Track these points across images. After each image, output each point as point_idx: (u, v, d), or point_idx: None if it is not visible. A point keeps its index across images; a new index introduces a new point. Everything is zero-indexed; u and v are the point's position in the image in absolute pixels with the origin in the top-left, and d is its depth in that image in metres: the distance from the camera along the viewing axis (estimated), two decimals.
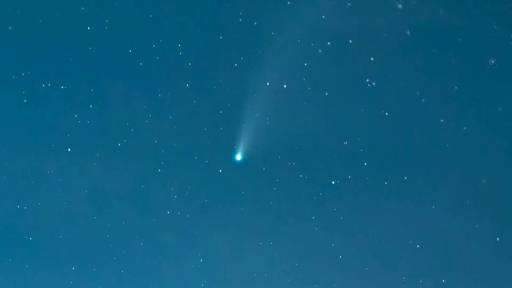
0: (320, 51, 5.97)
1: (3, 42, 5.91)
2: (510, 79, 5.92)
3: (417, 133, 6.00)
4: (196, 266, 6.13)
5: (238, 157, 6.04)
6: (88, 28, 5.95)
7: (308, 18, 5.95)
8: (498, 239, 5.96)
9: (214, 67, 6.00)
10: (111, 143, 6.01)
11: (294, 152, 6.06)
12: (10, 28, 5.92)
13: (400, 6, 5.97)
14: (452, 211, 5.96)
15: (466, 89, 5.94)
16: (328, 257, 6.08)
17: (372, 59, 5.96)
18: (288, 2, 5.95)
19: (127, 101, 6.02)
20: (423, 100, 5.97)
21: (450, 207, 5.96)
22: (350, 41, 5.97)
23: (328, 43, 5.97)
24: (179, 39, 5.97)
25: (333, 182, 6.05)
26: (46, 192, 6.00)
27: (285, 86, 6.00)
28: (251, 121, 6.00)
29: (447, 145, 5.99)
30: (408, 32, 5.95)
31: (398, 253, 6.08)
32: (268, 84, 5.99)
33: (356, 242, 6.08)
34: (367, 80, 5.97)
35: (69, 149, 6.00)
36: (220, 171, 6.05)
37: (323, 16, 5.94)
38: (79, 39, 5.94)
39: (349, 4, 5.96)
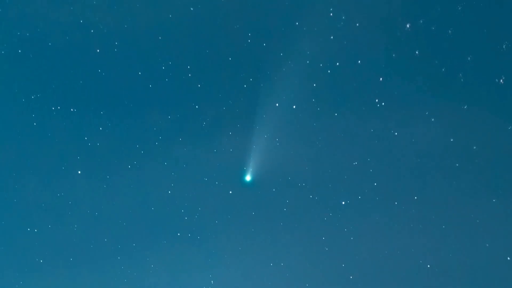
0: (329, 71, 5.98)
1: (13, 65, 5.95)
2: None
3: (427, 153, 5.99)
4: None
5: (248, 178, 6.05)
6: (98, 50, 5.98)
7: (317, 38, 5.96)
8: (508, 258, 5.95)
9: (223, 89, 6.03)
10: (121, 166, 6.04)
11: (304, 173, 6.07)
12: (20, 51, 5.97)
13: (408, 26, 5.98)
14: (462, 231, 5.96)
15: (476, 108, 5.93)
16: (339, 277, 6.09)
17: (381, 79, 5.97)
18: (297, 23, 5.96)
19: (137, 123, 6.04)
20: (433, 119, 5.97)
21: (461, 227, 5.96)
22: (359, 62, 5.98)
23: (337, 63, 5.98)
24: (188, 61, 5.99)
25: (343, 203, 6.05)
26: (56, 214, 6.03)
27: (294, 107, 6.01)
28: (261, 142, 6.01)
29: (457, 165, 5.99)
30: (416, 52, 5.96)
31: (409, 273, 6.08)
32: (277, 105, 6.00)
33: (367, 262, 6.08)
34: (376, 100, 5.97)
35: (79, 172, 6.03)
36: (230, 192, 6.07)
37: (331, 37, 5.95)
38: (89, 61, 5.98)
39: (357, 24, 5.97)
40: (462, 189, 5.96)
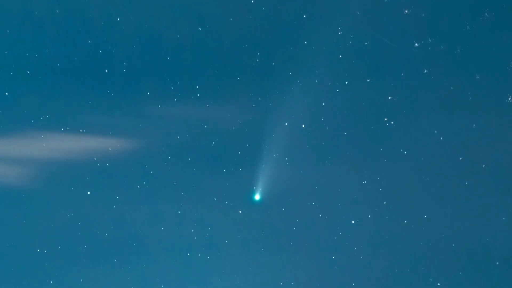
0: (338, 90, 5.99)
1: (21, 86, 5.94)
2: None
3: (436, 172, 6.00)
4: None
5: (257, 196, 6.04)
6: (106, 71, 5.98)
7: (326, 57, 5.96)
8: None
9: (232, 108, 6.02)
10: (130, 186, 6.03)
11: (314, 192, 6.06)
12: (28, 72, 5.96)
13: (416, 44, 5.98)
14: (473, 250, 5.97)
15: (485, 127, 5.95)
16: None
17: (390, 98, 5.98)
18: (305, 42, 5.96)
19: (146, 143, 6.03)
20: (441, 138, 5.98)
21: (472, 246, 5.96)
22: (368, 80, 5.99)
23: (346, 82, 5.99)
24: (197, 80, 5.98)
25: (352, 222, 6.05)
26: (65, 235, 6.01)
27: (303, 126, 6.01)
28: (270, 161, 6.01)
29: (466, 183, 6.00)
30: (425, 71, 5.97)
31: None
32: (286, 124, 6.00)
33: (377, 282, 6.07)
34: (386, 119, 5.98)
35: (88, 192, 6.02)
36: (240, 212, 6.06)
37: (340, 56, 5.96)
38: (97, 82, 5.96)
39: (366, 43, 5.97)
40: (472, 208, 5.97)
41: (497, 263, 5.99)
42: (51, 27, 5.91)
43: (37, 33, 5.89)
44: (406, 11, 5.93)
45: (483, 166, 5.96)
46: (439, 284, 6.04)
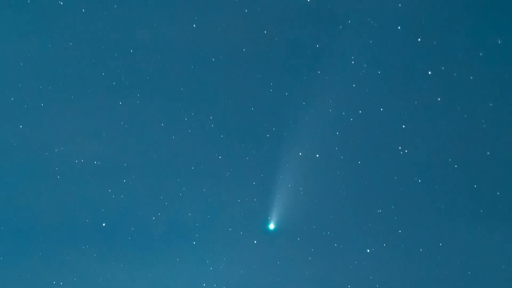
0: (351, 119, 5.99)
1: (36, 119, 5.96)
2: None
3: (451, 200, 5.98)
4: None
5: (271, 226, 6.05)
6: (120, 103, 6.00)
7: (339, 86, 5.97)
8: None
9: (246, 139, 6.03)
10: (145, 217, 6.04)
11: (328, 221, 6.06)
12: (42, 105, 5.98)
13: (429, 72, 5.98)
14: (489, 279, 5.96)
15: (499, 155, 5.94)
16: None
17: (404, 126, 5.98)
18: (318, 72, 5.97)
19: (160, 174, 6.05)
20: (456, 166, 5.97)
21: (488, 274, 5.95)
22: (381, 109, 5.99)
23: (360, 111, 5.99)
24: (210, 111, 6.00)
25: (368, 250, 6.05)
26: (81, 268, 6.02)
27: (317, 155, 6.02)
28: (285, 191, 6.01)
29: (481, 211, 5.99)
30: (438, 99, 5.96)
31: None
32: (300, 154, 6.01)
33: None
34: (399, 147, 5.98)
35: (103, 224, 6.03)
36: (255, 242, 6.06)
37: (353, 85, 5.96)
38: (111, 114, 5.98)
39: (379, 72, 5.98)
40: (488, 236, 5.96)
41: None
42: (66, 60, 5.94)
43: (53, 66, 5.93)
44: (419, 39, 5.94)
45: (498, 193, 5.96)
46: None
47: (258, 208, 6.04)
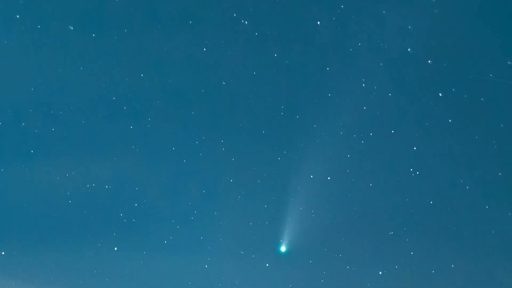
0: (362, 142, 6.00)
1: (47, 143, 5.98)
2: None
3: (462, 221, 5.99)
4: None
5: (283, 248, 6.05)
6: (131, 127, 6.00)
7: (350, 109, 5.97)
8: None
9: (257, 162, 6.04)
10: (157, 241, 6.05)
11: (340, 244, 6.06)
12: (53, 129, 5.99)
13: (440, 94, 5.98)
14: None
15: (510, 176, 5.94)
16: None
17: (415, 148, 5.98)
18: (329, 94, 5.98)
19: (172, 198, 6.06)
20: (467, 187, 5.98)
21: None
22: (392, 131, 5.99)
23: (371, 133, 6.00)
24: (221, 134, 6.01)
25: (380, 273, 6.05)
26: None
27: (329, 178, 6.02)
28: (296, 214, 6.01)
29: (493, 231, 5.98)
30: (450, 120, 5.97)
31: None
32: (312, 176, 6.01)
33: None
34: (411, 169, 5.98)
35: (115, 248, 6.04)
36: (267, 265, 6.07)
37: (364, 107, 5.97)
38: (122, 138, 6.00)
39: (389, 94, 5.98)
40: (500, 257, 5.96)
41: None
42: (77, 84, 5.95)
43: (64, 91, 5.94)
44: (430, 61, 5.95)
45: (510, 214, 5.96)
46: None
47: (270, 231, 6.05)
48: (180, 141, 6.01)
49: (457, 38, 5.89)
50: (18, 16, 5.81)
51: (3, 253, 5.92)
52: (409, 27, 5.85)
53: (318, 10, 5.90)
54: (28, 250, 5.98)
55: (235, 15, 5.84)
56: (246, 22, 5.85)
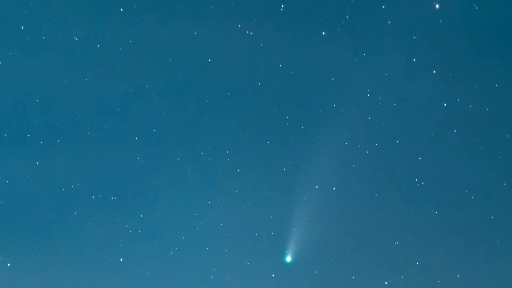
0: (367, 152, 6.00)
1: (53, 155, 5.97)
2: None
3: (468, 231, 6.00)
4: None
5: (288, 259, 6.05)
6: (136, 138, 6.00)
7: (355, 119, 5.97)
8: None
9: (263, 173, 6.04)
10: (163, 252, 6.06)
11: (346, 254, 6.08)
12: (58, 140, 5.99)
13: (445, 104, 5.99)
14: None
15: None
16: None
17: (420, 158, 5.99)
18: (334, 105, 5.98)
19: (177, 210, 6.06)
20: (473, 197, 5.98)
21: None
22: (397, 142, 6.00)
23: (376, 144, 6.00)
24: (227, 145, 6.01)
25: (385, 283, 6.05)
26: None
27: (334, 188, 6.03)
28: (302, 224, 6.02)
29: (498, 242, 6.00)
30: (454, 131, 5.97)
31: None
32: (317, 187, 6.01)
33: None
34: (416, 179, 5.99)
35: (121, 259, 6.04)
36: (273, 275, 6.08)
37: (369, 118, 5.97)
38: (128, 150, 5.99)
39: (394, 104, 5.99)
40: (506, 268, 5.97)
41: None
42: (82, 96, 5.96)
43: (68, 103, 5.94)
44: (434, 71, 5.94)
45: None
46: None
47: (275, 242, 6.05)
48: (185, 152, 6.01)
49: (462, 48, 5.90)
50: (22, 28, 5.81)
51: (8, 264, 5.91)
52: (414, 37, 5.85)
53: (323, 20, 5.91)
54: (33, 262, 5.96)
55: (240, 26, 5.84)
56: (251, 33, 5.85)
